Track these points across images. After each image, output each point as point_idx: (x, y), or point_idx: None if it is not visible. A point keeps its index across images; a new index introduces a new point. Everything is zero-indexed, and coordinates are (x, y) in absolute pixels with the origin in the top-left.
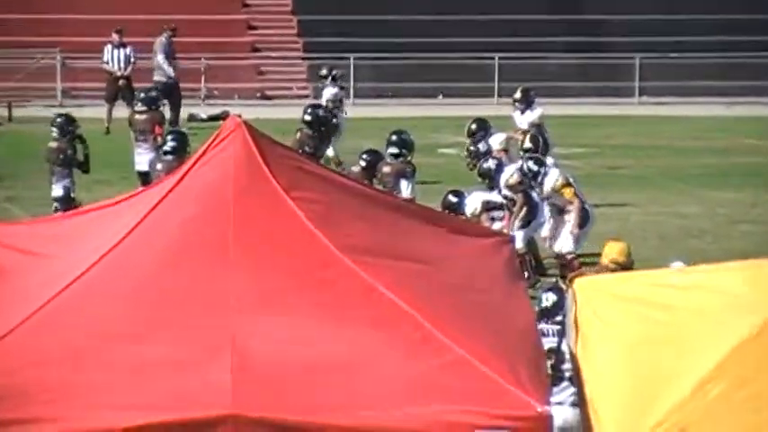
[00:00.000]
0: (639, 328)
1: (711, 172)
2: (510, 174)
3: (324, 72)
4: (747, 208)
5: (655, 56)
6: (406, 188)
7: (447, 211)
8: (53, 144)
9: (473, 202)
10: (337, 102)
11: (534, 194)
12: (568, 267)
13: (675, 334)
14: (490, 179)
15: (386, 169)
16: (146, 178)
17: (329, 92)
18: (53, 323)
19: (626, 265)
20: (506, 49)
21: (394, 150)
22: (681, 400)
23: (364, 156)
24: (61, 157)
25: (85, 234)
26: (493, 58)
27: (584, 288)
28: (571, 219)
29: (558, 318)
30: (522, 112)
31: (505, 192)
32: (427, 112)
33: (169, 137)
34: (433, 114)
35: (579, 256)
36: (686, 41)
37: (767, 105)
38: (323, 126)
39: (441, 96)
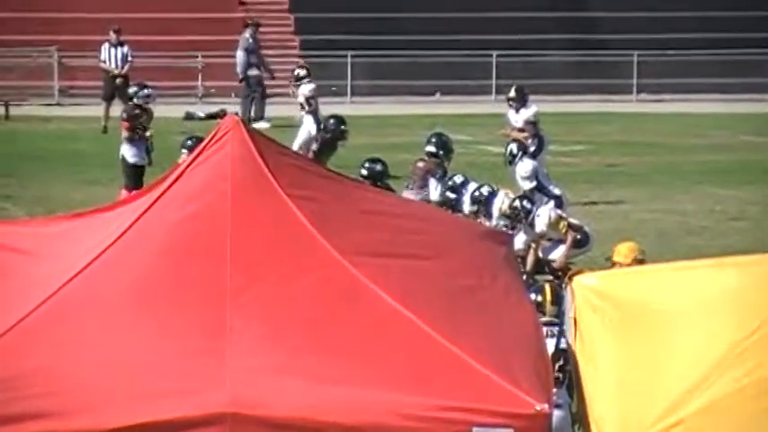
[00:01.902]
0: (638, 325)
1: (709, 169)
2: (502, 201)
3: (302, 73)
4: (744, 205)
5: (652, 53)
6: (434, 187)
7: (444, 206)
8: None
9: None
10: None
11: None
12: (559, 270)
13: (674, 330)
14: (481, 206)
15: (419, 164)
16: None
17: (308, 87)
18: (50, 322)
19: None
20: (504, 46)
21: (431, 149)
22: (680, 396)
23: (366, 164)
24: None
25: (83, 234)
26: (491, 56)
27: (583, 285)
28: (567, 243)
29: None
30: (517, 111)
31: (499, 221)
32: (424, 110)
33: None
34: (430, 112)
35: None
36: (684, 38)
37: (765, 102)
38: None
39: (438, 94)
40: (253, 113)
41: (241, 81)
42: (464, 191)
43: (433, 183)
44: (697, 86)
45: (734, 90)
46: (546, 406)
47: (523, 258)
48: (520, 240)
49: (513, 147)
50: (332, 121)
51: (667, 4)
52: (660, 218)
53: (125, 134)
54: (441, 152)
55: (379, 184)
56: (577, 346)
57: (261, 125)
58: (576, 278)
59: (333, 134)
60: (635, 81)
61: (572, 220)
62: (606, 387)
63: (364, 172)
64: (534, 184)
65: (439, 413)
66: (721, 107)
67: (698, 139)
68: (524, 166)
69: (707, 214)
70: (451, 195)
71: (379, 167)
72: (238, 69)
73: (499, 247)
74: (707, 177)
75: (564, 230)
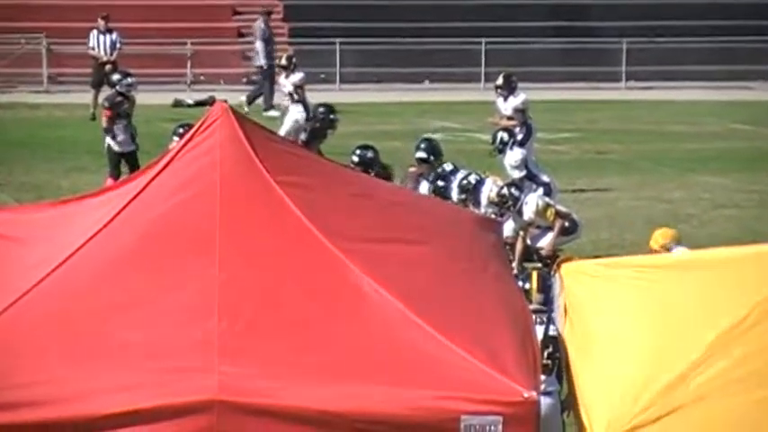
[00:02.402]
0: (627, 314)
1: (697, 156)
2: (490, 189)
3: (284, 62)
4: (732, 193)
5: (641, 40)
6: (426, 188)
7: (434, 194)
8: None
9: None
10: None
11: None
12: (547, 258)
13: (663, 318)
14: (469, 194)
15: (411, 170)
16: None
17: (297, 77)
18: (37, 309)
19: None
20: (493, 34)
21: (422, 155)
22: (669, 384)
23: (357, 151)
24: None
25: (71, 220)
26: (479, 44)
27: (572, 273)
28: (555, 230)
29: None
30: (506, 99)
31: (488, 209)
32: (413, 98)
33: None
34: (419, 99)
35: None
36: (673, 26)
37: (753, 90)
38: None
39: (427, 82)
40: (263, 103)
41: (261, 71)
42: (453, 178)
43: (424, 184)
44: (686, 74)
45: (723, 78)
46: (534, 393)
47: (512, 246)
48: (509, 228)
49: (504, 135)
50: (321, 109)
51: None
52: (648, 205)
53: (105, 123)
54: (431, 157)
55: (370, 171)
56: (567, 333)
57: (271, 113)
58: (564, 265)
59: (322, 123)
60: (624, 69)
61: (560, 208)
62: (595, 374)
63: (355, 159)
64: (524, 173)
65: (427, 402)
66: (710, 95)
67: (686, 127)
68: (513, 156)
69: (695, 202)
70: (440, 183)
71: (370, 154)
72: (261, 60)
73: (488, 234)
74: (695, 165)
75: (552, 218)
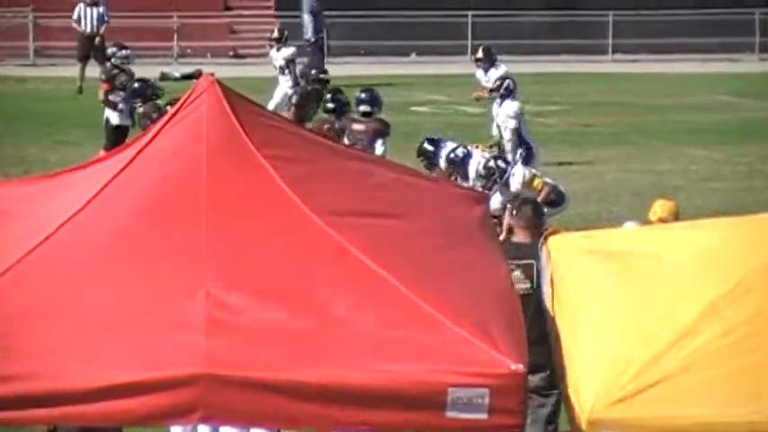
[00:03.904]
0: (615, 286)
1: (685, 129)
2: (478, 162)
3: (276, 35)
4: (720, 165)
5: (628, 13)
6: (380, 146)
7: (422, 159)
8: (139, 110)
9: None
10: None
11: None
12: None
13: (651, 291)
14: (457, 167)
15: (359, 127)
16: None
17: (289, 51)
18: (22, 282)
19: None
20: (479, 6)
21: (366, 108)
22: (655, 355)
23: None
24: (148, 122)
25: (56, 194)
26: (466, 16)
27: (559, 246)
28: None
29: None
30: (486, 71)
31: (476, 182)
32: (400, 71)
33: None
34: (406, 72)
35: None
36: None
37: (740, 62)
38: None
39: (413, 55)
40: None
41: (311, 44)
42: (442, 146)
43: (379, 141)
44: (673, 47)
45: (710, 50)
46: (521, 366)
47: (500, 219)
48: (496, 201)
49: (499, 162)
50: (313, 71)
51: None
52: (635, 178)
53: (102, 96)
54: (375, 108)
55: (342, 116)
56: (555, 307)
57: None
58: (551, 238)
59: (313, 85)
60: (610, 41)
61: (547, 180)
62: (583, 348)
63: (330, 105)
64: (516, 124)
65: (413, 375)
66: (697, 67)
67: (674, 99)
68: (511, 106)
69: (682, 174)
70: (429, 147)
71: (343, 98)
72: (308, 33)
73: (475, 206)
74: (683, 137)
75: (539, 187)
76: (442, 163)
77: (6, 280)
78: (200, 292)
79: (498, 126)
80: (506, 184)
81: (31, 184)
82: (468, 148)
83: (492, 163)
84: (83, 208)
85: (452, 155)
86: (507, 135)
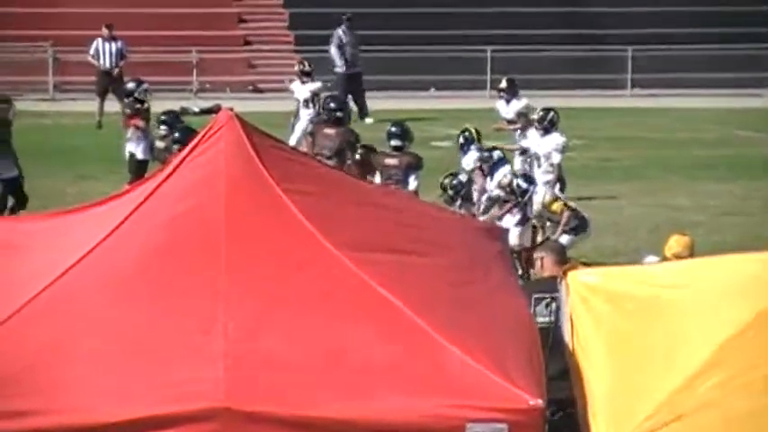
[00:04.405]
0: (632, 322)
1: (703, 164)
2: (504, 174)
3: (308, 69)
4: (739, 200)
5: (647, 48)
6: (413, 181)
7: (442, 194)
8: (160, 144)
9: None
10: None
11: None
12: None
13: (668, 327)
14: (485, 164)
15: (391, 161)
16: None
17: (315, 85)
18: (40, 317)
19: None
20: (498, 41)
21: (397, 143)
22: (672, 392)
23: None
24: (167, 155)
25: (75, 229)
26: (485, 51)
27: (577, 281)
28: (561, 224)
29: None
30: (508, 102)
31: (497, 191)
32: (419, 105)
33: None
34: (425, 107)
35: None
36: (677, 33)
37: (759, 97)
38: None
39: (433, 89)
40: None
41: (346, 78)
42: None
43: (413, 176)
44: (691, 81)
45: (728, 85)
46: (539, 401)
47: (518, 253)
48: (514, 236)
49: (521, 182)
50: (331, 102)
51: None
52: (654, 212)
53: (135, 131)
54: (406, 142)
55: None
56: (573, 342)
57: (368, 121)
58: (570, 273)
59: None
60: (629, 76)
61: (570, 203)
62: (600, 383)
63: (357, 157)
64: (560, 159)
65: (432, 409)
66: (715, 102)
67: (692, 134)
68: (559, 139)
69: (701, 209)
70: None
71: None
72: (338, 66)
73: (493, 241)
74: (701, 172)
75: (558, 210)
76: (473, 154)
77: (24, 316)
78: (220, 326)
79: (530, 156)
80: (526, 204)
81: (49, 218)
82: (505, 156)
83: (515, 181)
84: (101, 242)
85: (486, 154)
86: (546, 167)
